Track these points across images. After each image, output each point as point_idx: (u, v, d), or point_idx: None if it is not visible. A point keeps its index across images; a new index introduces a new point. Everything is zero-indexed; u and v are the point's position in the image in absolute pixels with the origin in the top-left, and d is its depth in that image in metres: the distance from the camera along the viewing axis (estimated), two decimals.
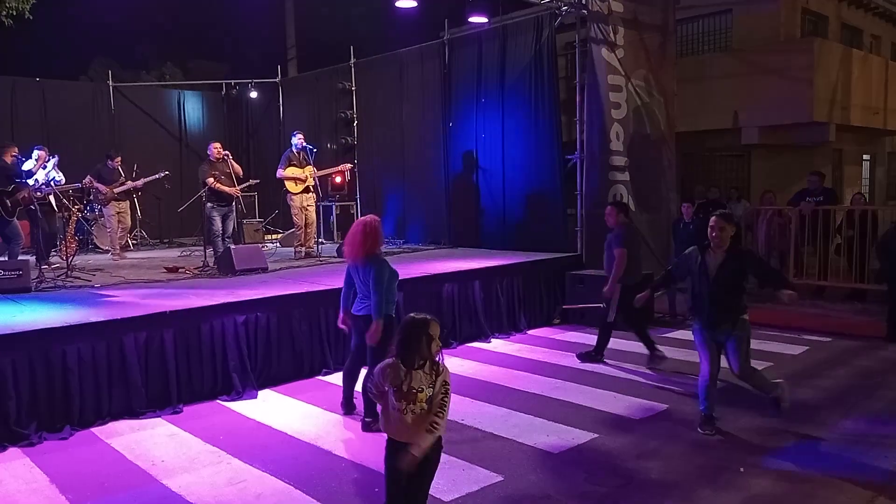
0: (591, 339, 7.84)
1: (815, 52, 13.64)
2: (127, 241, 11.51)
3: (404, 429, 3.22)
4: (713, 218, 5.16)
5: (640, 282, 6.97)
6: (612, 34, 9.60)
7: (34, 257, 8.92)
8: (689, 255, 5.32)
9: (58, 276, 8.10)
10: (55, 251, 10.32)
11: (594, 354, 7.18)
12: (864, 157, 18.28)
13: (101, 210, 11.55)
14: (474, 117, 10.98)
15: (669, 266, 5.71)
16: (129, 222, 11.40)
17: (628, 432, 5.23)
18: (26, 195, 8.70)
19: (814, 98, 13.42)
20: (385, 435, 3.38)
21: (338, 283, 7.50)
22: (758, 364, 6.83)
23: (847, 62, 14.68)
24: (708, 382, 5.20)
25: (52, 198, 9.75)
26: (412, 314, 3.40)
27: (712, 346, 5.22)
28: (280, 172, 10.20)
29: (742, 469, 4.51)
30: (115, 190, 10.85)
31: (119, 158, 11.10)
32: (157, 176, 11.32)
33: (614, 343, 7.91)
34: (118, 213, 11.00)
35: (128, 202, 11.25)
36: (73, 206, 10.55)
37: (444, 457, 4.74)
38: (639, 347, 7.73)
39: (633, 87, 9.93)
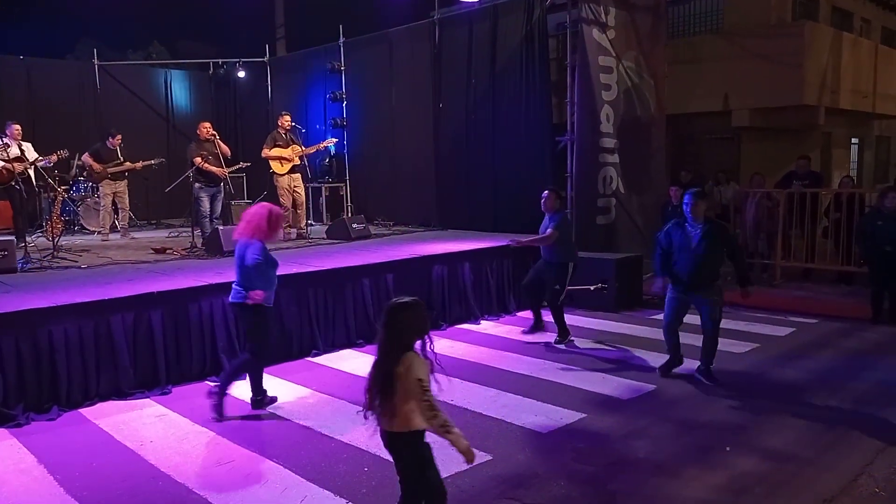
0: (580, 320, 7.88)
1: (806, 35, 13.60)
2: (127, 222, 11.32)
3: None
4: (687, 195, 5.82)
5: (577, 264, 7.36)
6: (603, 15, 9.55)
7: (13, 237, 8.81)
8: (671, 231, 5.94)
9: (44, 257, 8.03)
10: (40, 232, 10.23)
11: (562, 337, 7.31)
12: (853, 140, 18.34)
13: (94, 188, 11.45)
14: (464, 98, 10.90)
15: (658, 249, 6.04)
16: (127, 204, 11.19)
17: (616, 412, 5.27)
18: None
19: (804, 81, 13.41)
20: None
21: (328, 264, 7.53)
22: (744, 346, 6.99)
23: (837, 46, 14.67)
24: (665, 331, 6.09)
25: (31, 175, 9.56)
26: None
27: (678, 305, 5.96)
28: (265, 152, 10.12)
29: (729, 448, 4.56)
30: (110, 170, 10.70)
31: (119, 137, 10.90)
32: (153, 161, 11.15)
33: (602, 325, 7.97)
34: (114, 193, 10.85)
35: (125, 182, 11.01)
36: (59, 187, 10.43)
37: (432, 437, 4.77)
38: (628, 329, 7.80)
39: (624, 69, 9.89)
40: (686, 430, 4.92)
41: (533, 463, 4.41)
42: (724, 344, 7.01)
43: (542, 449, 4.63)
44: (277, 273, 5.46)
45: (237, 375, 5.39)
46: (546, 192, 7.30)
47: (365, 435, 4.84)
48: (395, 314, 3.09)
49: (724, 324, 7.82)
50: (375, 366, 3.12)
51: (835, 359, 6.65)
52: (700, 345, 6.04)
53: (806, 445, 4.61)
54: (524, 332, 7.50)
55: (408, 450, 3.18)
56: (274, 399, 5.52)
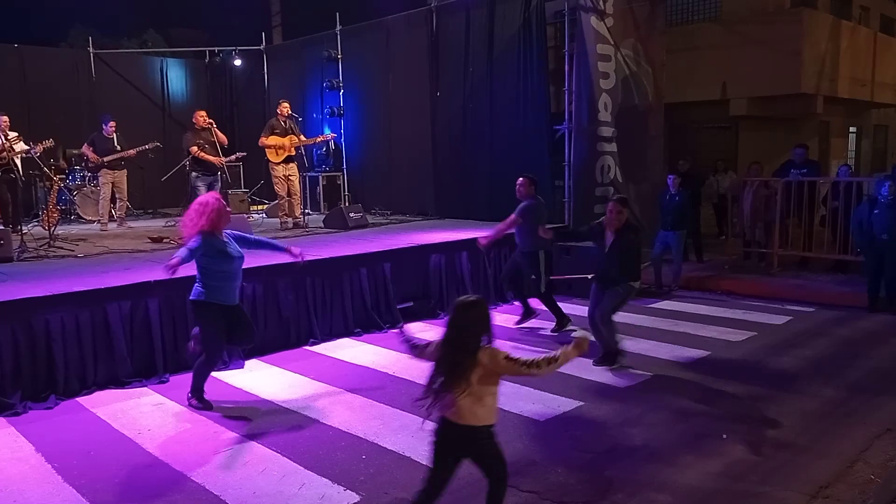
0: (578, 308, 7.87)
1: (804, 23, 13.58)
2: (124, 211, 11.26)
3: None
4: (611, 203, 6.00)
5: (550, 251, 7.39)
6: (601, 2, 9.49)
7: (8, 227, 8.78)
8: (596, 227, 6.20)
9: (40, 246, 8.01)
10: (36, 222, 10.20)
11: (560, 325, 7.31)
12: (851, 129, 18.34)
13: (91, 178, 11.39)
14: (462, 86, 10.85)
15: (587, 226, 6.44)
16: (126, 193, 11.10)
17: (613, 400, 5.28)
18: None
19: (802, 69, 13.39)
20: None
21: (326, 253, 7.52)
22: (741, 334, 7.01)
23: (836, 33, 14.64)
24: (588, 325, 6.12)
25: (19, 165, 9.50)
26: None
27: (595, 296, 6.15)
28: (262, 140, 10.08)
29: (725, 436, 4.57)
30: (106, 159, 10.63)
31: (114, 124, 10.76)
32: (147, 146, 11.06)
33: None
34: (113, 182, 10.77)
35: (124, 171, 10.93)
36: (55, 176, 10.37)
37: (431, 424, 4.79)
38: (625, 317, 7.77)
39: (622, 57, 9.85)
40: (682, 418, 4.94)
41: (530, 451, 4.42)
42: (721, 332, 7.08)
43: (540, 437, 4.65)
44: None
45: (202, 375, 5.28)
46: (521, 178, 7.30)
47: (362, 423, 4.87)
48: (462, 312, 3.16)
49: (722, 312, 7.95)
50: (449, 364, 3.10)
51: (831, 347, 6.68)
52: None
53: (802, 432, 4.63)
54: (517, 323, 7.51)
55: (491, 440, 3.20)
56: (209, 406, 5.22)
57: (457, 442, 3.17)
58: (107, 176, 10.69)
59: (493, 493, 3.28)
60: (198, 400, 5.23)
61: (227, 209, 5.26)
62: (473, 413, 3.10)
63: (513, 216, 7.15)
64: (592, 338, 3.38)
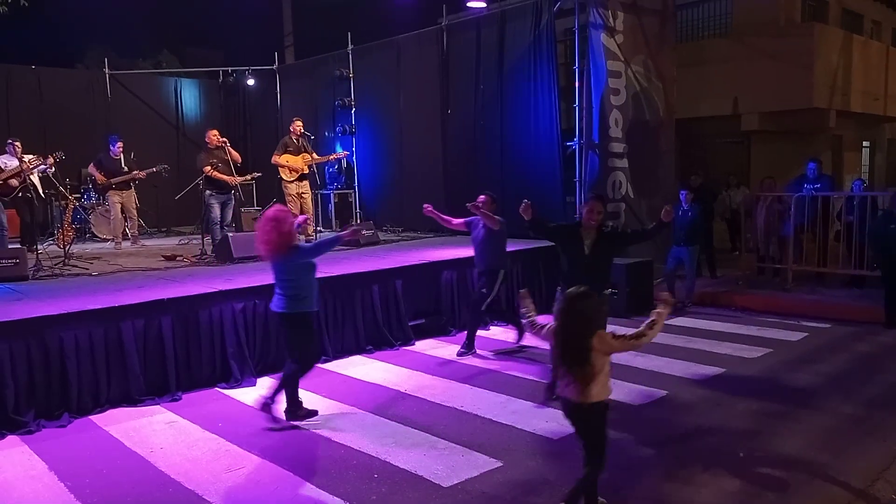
0: None
1: (816, 38, 13.55)
2: (137, 230, 11.31)
3: None
4: (591, 201, 5.50)
5: (507, 272, 7.40)
6: (611, 19, 9.53)
7: (24, 246, 8.87)
8: (568, 228, 5.73)
9: (55, 265, 8.07)
10: (51, 240, 10.29)
11: (468, 346, 7.11)
12: (864, 143, 18.22)
13: (100, 198, 11.49)
14: (472, 104, 10.90)
15: (556, 223, 6.03)
16: (135, 213, 11.20)
17: (626, 418, 5.22)
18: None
19: (814, 84, 13.35)
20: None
21: (337, 270, 7.53)
22: (756, 351, 6.94)
23: (847, 48, 14.60)
24: None
25: (38, 184, 9.57)
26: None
27: None
28: (274, 158, 10.15)
29: (742, 454, 4.51)
30: (113, 180, 10.71)
31: (121, 144, 10.84)
32: (154, 169, 11.13)
33: (612, 330, 7.91)
34: (121, 202, 10.84)
35: (132, 191, 11.03)
36: (70, 195, 10.47)
37: (443, 442, 4.78)
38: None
39: (633, 73, 9.87)
40: (698, 436, 4.88)
41: (543, 469, 4.38)
42: (735, 349, 7.01)
43: (553, 455, 4.60)
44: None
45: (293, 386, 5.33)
46: (482, 196, 7.12)
47: (374, 442, 4.84)
48: (574, 303, 3.54)
49: (736, 328, 7.87)
50: (567, 352, 3.51)
51: (848, 363, 6.59)
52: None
53: (820, 450, 4.56)
54: (516, 342, 7.34)
55: (600, 418, 3.61)
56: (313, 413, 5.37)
57: (575, 418, 3.61)
58: (114, 197, 10.78)
59: (584, 478, 3.61)
60: (302, 416, 5.23)
61: (293, 219, 5.33)
62: (588, 392, 3.48)
63: (498, 218, 6.97)
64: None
